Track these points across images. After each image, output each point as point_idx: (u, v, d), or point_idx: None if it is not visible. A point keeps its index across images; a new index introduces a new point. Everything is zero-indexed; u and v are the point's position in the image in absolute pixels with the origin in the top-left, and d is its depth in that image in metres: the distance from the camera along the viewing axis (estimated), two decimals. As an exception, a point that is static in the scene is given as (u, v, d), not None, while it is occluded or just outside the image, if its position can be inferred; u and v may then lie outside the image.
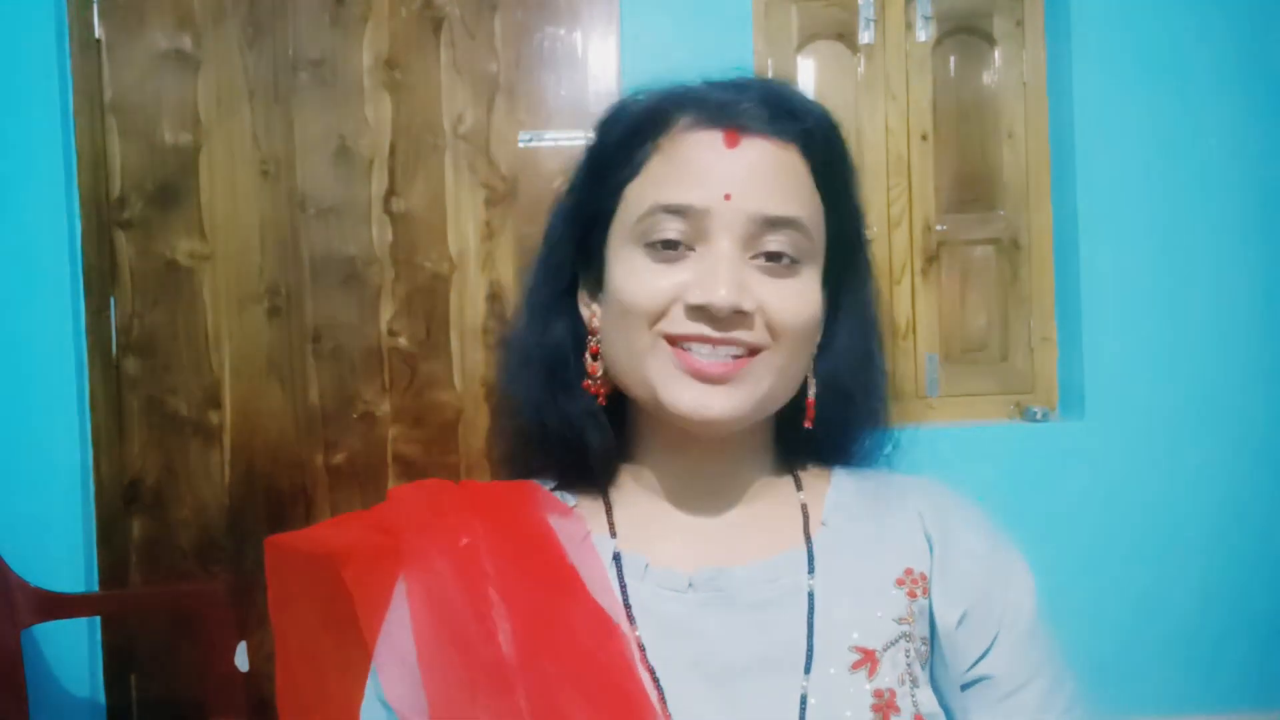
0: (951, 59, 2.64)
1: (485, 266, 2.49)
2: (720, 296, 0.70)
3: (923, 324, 2.64)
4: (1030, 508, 2.23)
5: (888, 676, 0.71)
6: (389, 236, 2.48)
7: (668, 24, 2.44)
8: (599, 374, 0.78)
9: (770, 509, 0.79)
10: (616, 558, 0.76)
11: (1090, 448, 2.48)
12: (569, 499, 0.81)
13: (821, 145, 0.76)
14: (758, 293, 0.72)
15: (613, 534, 0.78)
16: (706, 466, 0.78)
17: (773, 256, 0.73)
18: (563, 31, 2.50)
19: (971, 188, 2.65)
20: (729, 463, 0.78)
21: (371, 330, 2.48)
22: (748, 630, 0.72)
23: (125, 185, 2.46)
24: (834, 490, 0.80)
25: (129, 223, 2.46)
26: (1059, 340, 2.62)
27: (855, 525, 0.78)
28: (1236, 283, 2.49)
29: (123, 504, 2.45)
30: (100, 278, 2.44)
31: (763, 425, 0.79)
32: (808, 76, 2.63)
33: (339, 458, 2.48)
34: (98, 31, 2.45)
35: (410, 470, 2.48)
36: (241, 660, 2.01)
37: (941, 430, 2.51)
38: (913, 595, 0.74)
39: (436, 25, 2.49)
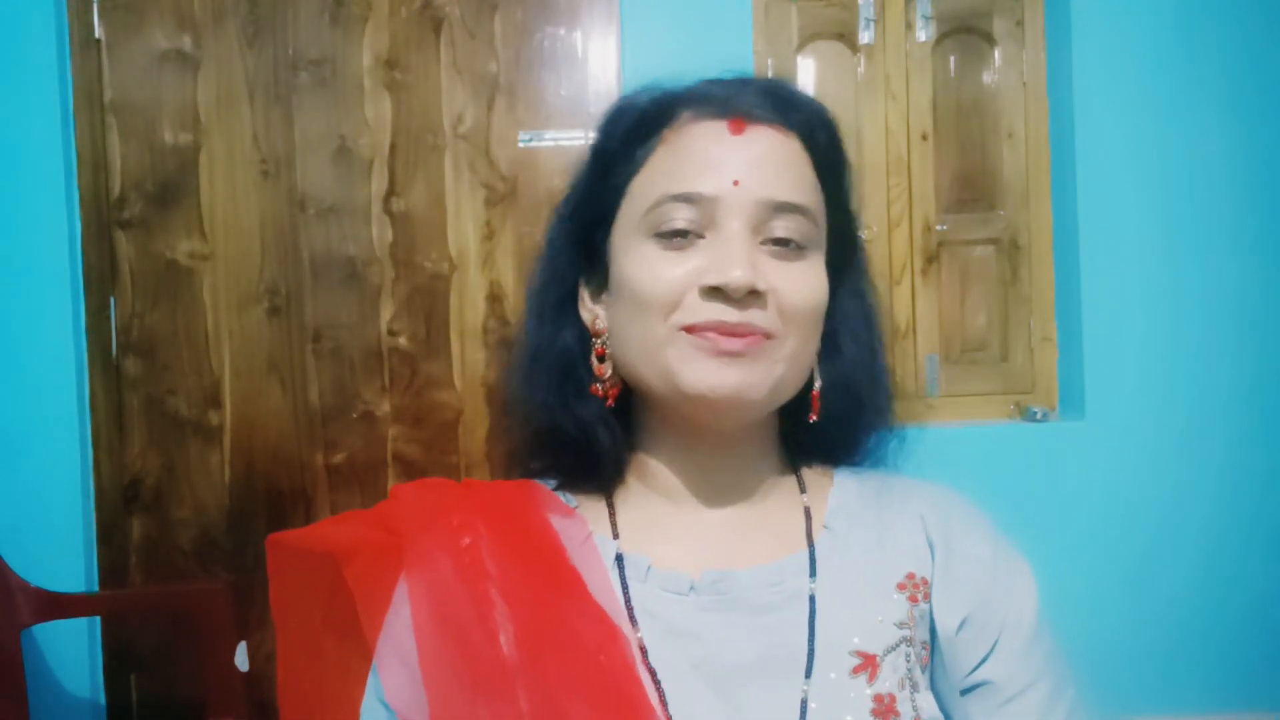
0: (951, 59, 2.64)
1: (485, 266, 2.49)
2: (735, 276, 0.70)
3: (923, 324, 2.64)
4: (1030, 508, 2.23)
5: (888, 681, 0.71)
6: (389, 236, 2.48)
7: (668, 24, 2.44)
8: (606, 376, 0.78)
9: (773, 511, 0.79)
10: (619, 559, 0.76)
11: (1090, 448, 2.48)
12: (571, 500, 0.81)
13: (822, 138, 0.77)
14: (770, 275, 0.72)
15: (615, 535, 0.78)
16: (712, 465, 0.78)
17: (780, 242, 0.73)
18: (563, 31, 2.50)
19: (971, 188, 2.65)
20: (735, 461, 0.78)
21: (371, 330, 2.48)
22: (749, 634, 0.72)
23: (125, 185, 2.46)
24: (837, 492, 0.80)
25: (129, 223, 2.46)
26: (1059, 340, 2.62)
27: (857, 529, 0.78)
28: (1236, 283, 2.49)
29: (123, 504, 2.45)
30: (100, 278, 2.44)
31: (768, 422, 0.79)
32: (808, 76, 2.63)
33: (339, 458, 2.48)
34: (98, 31, 2.45)
35: (410, 470, 2.48)
36: (241, 660, 2.01)
37: (941, 430, 2.51)
38: (914, 600, 0.74)
39: (436, 25, 2.49)
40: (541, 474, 0.83)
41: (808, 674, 0.71)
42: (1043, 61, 2.62)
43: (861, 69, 2.62)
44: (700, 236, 0.73)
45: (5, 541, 2.16)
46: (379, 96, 2.48)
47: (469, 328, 2.49)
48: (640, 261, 0.74)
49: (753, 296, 0.71)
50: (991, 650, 0.74)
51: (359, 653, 0.75)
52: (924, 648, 0.74)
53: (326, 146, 2.47)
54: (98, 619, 2.40)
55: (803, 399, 0.78)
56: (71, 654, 2.35)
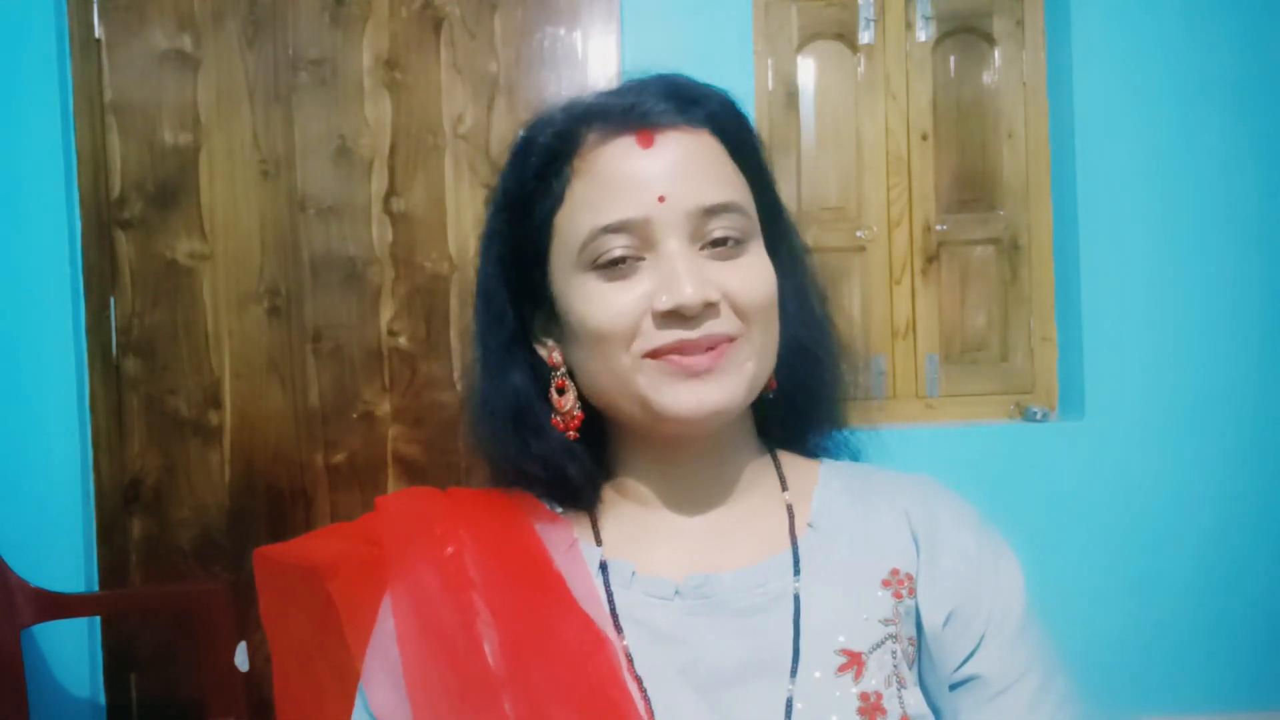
0: (951, 59, 2.64)
1: (485, 267, 2.48)
2: (688, 295, 0.69)
3: (923, 324, 2.64)
4: (1030, 508, 2.24)
5: (874, 679, 0.71)
6: (389, 236, 2.48)
7: (668, 24, 2.44)
8: (566, 408, 0.77)
9: (756, 510, 0.79)
10: (603, 566, 0.76)
11: (1090, 448, 2.48)
12: (555, 506, 0.80)
13: (731, 124, 0.76)
14: (719, 281, 0.71)
15: (598, 542, 0.78)
16: (691, 471, 0.78)
17: (719, 242, 0.72)
18: (563, 31, 2.50)
19: (971, 188, 2.65)
20: (714, 464, 0.78)
21: (371, 330, 2.48)
22: (735, 636, 0.72)
23: (125, 185, 2.46)
24: (821, 489, 0.80)
25: (129, 223, 2.46)
26: (1059, 340, 2.62)
27: (841, 526, 0.77)
28: (1236, 282, 2.49)
29: (123, 504, 2.45)
30: (100, 278, 2.44)
31: (743, 418, 0.79)
32: (808, 76, 2.63)
33: (339, 458, 2.48)
34: (98, 31, 2.45)
35: (410, 470, 2.48)
36: (241, 660, 2.01)
37: (941, 430, 2.51)
38: (899, 596, 0.74)
39: (436, 25, 2.49)
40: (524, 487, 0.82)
41: (793, 674, 0.70)
42: (1043, 61, 2.62)
43: (861, 69, 2.62)
44: (640, 259, 0.72)
45: (5, 541, 2.16)
46: (379, 96, 2.48)
47: (469, 328, 2.48)
48: (588, 298, 0.72)
49: (708, 308, 0.71)
50: (979, 644, 0.74)
51: (350, 664, 0.75)
52: (910, 644, 0.73)
53: (326, 146, 2.48)
54: (98, 619, 2.41)
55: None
56: (71, 654, 2.35)
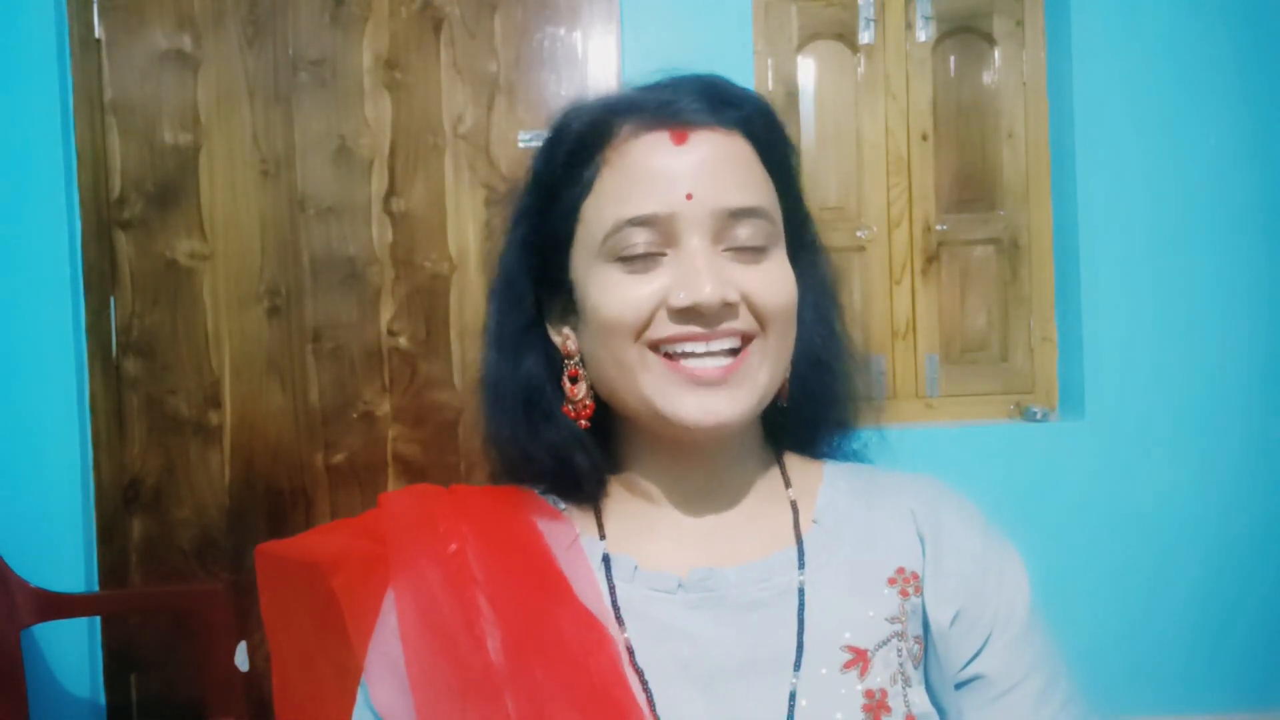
0: (951, 59, 2.64)
1: (485, 266, 2.48)
2: (706, 293, 0.69)
3: (923, 324, 2.64)
4: (1030, 508, 2.23)
5: (879, 676, 0.71)
6: (389, 236, 2.48)
7: (668, 24, 2.44)
8: (578, 397, 0.77)
9: (761, 507, 0.79)
10: (606, 560, 0.76)
11: (1090, 448, 2.48)
12: (558, 503, 0.80)
13: (764, 129, 0.76)
14: (739, 282, 0.72)
15: (601, 536, 0.78)
16: (698, 470, 0.78)
17: (742, 246, 0.73)
18: (563, 31, 2.50)
19: (971, 188, 2.65)
20: (720, 464, 0.78)
21: (371, 330, 2.48)
22: (738, 631, 0.72)
23: (125, 185, 2.46)
24: (826, 487, 0.80)
25: (129, 223, 2.46)
26: (1059, 340, 2.62)
27: (847, 524, 0.77)
28: (1236, 283, 2.49)
29: (123, 504, 2.45)
30: (100, 278, 2.44)
31: (751, 422, 0.79)
32: (808, 76, 2.63)
33: (339, 458, 2.48)
34: (98, 31, 2.45)
35: (410, 470, 2.48)
36: (241, 660, 2.01)
37: (941, 430, 2.51)
38: (905, 594, 0.74)
39: (436, 25, 2.49)
40: (528, 481, 0.82)
41: (797, 670, 0.70)
42: (1043, 61, 2.62)
43: (861, 69, 2.62)
44: (662, 254, 0.72)
45: (5, 541, 2.16)
46: (379, 96, 2.48)
47: (469, 328, 2.49)
48: (606, 287, 0.73)
49: (726, 308, 0.71)
50: (984, 644, 0.74)
51: (351, 661, 0.75)
52: (916, 642, 0.74)
53: (326, 146, 2.48)
54: (98, 619, 2.41)
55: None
56: (71, 654, 2.35)
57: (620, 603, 0.74)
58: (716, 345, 0.72)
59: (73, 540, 2.35)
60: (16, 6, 2.35)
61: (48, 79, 2.36)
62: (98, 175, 2.44)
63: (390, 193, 2.48)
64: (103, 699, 2.41)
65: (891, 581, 0.75)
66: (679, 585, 0.74)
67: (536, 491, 0.81)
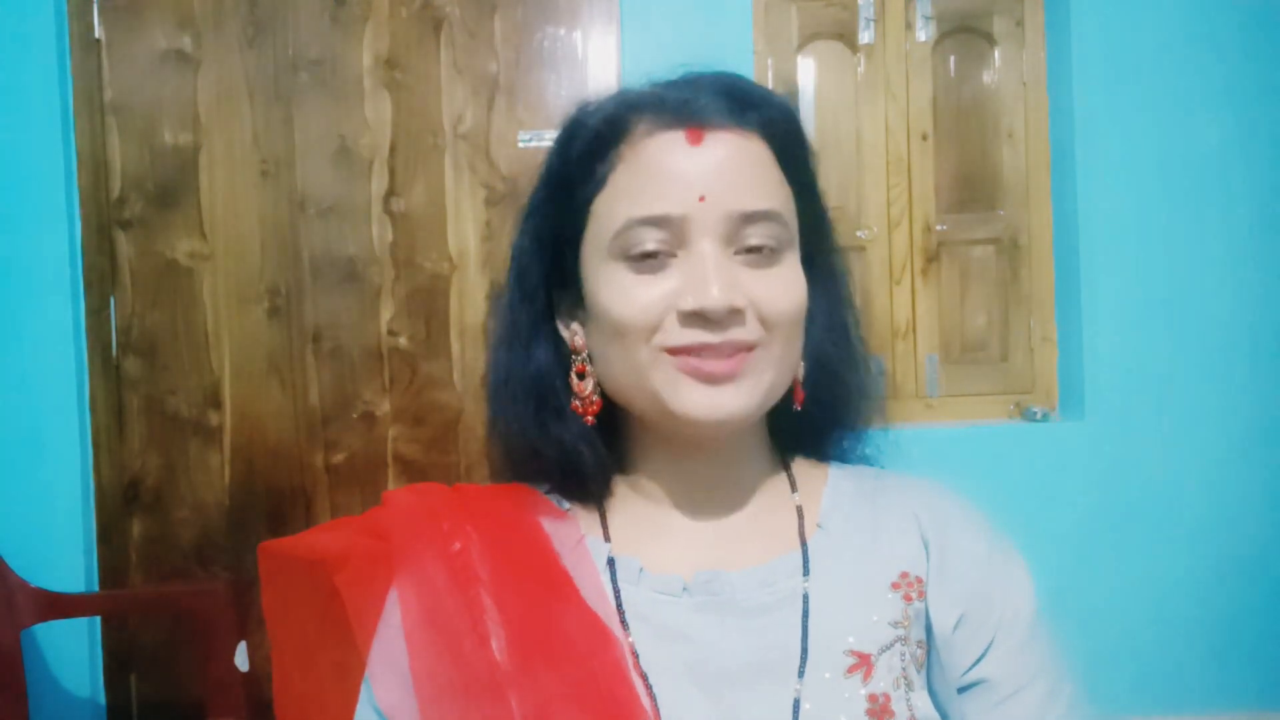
0: (951, 59, 2.64)
1: (485, 266, 2.49)
2: (714, 299, 0.69)
3: (923, 324, 2.64)
4: (1030, 508, 2.23)
5: (883, 680, 0.71)
6: (389, 236, 2.48)
7: (668, 24, 2.44)
8: (586, 393, 0.76)
9: (766, 511, 0.78)
10: (610, 562, 0.76)
11: (1090, 448, 2.48)
12: (563, 503, 0.80)
13: (782, 131, 0.75)
14: (747, 288, 0.71)
15: (607, 538, 0.77)
16: (704, 471, 0.77)
17: (754, 250, 0.72)
18: (563, 31, 2.50)
19: (971, 188, 2.65)
20: (726, 465, 0.78)
21: (371, 330, 2.48)
22: (742, 635, 0.72)
23: (125, 185, 2.46)
24: (830, 491, 0.80)
25: (129, 223, 2.46)
26: (1059, 340, 2.62)
27: (851, 528, 0.77)
28: (1236, 282, 2.49)
29: (123, 504, 2.45)
30: (100, 278, 2.44)
31: (758, 423, 0.79)
32: (808, 76, 2.63)
33: (339, 458, 2.48)
34: (98, 31, 2.45)
35: (410, 470, 2.48)
36: (241, 660, 2.01)
37: (941, 430, 2.51)
38: (908, 599, 0.74)
39: (436, 25, 2.49)
40: (534, 480, 0.82)
41: (801, 674, 0.70)
42: (1043, 61, 2.62)
43: (861, 69, 2.62)
44: (672, 255, 0.71)
45: (5, 541, 2.16)
46: (379, 96, 2.48)
47: (469, 328, 2.49)
48: (614, 287, 0.72)
49: (733, 314, 0.70)
50: (988, 648, 0.74)
51: (353, 659, 0.74)
52: (920, 646, 0.73)
53: (326, 146, 2.47)
54: (98, 619, 2.41)
55: (789, 392, 0.78)
56: (71, 654, 2.35)
57: (625, 605, 0.73)
58: (724, 351, 0.71)
59: (73, 540, 2.35)
60: (16, 6, 2.35)
61: (48, 79, 2.36)
62: (98, 175, 2.44)
63: (390, 193, 2.48)
64: (103, 699, 2.41)
65: (895, 586, 0.74)
66: (684, 588, 0.73)
67: (541, 491, 0.81)
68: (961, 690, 0.74)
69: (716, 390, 0.71)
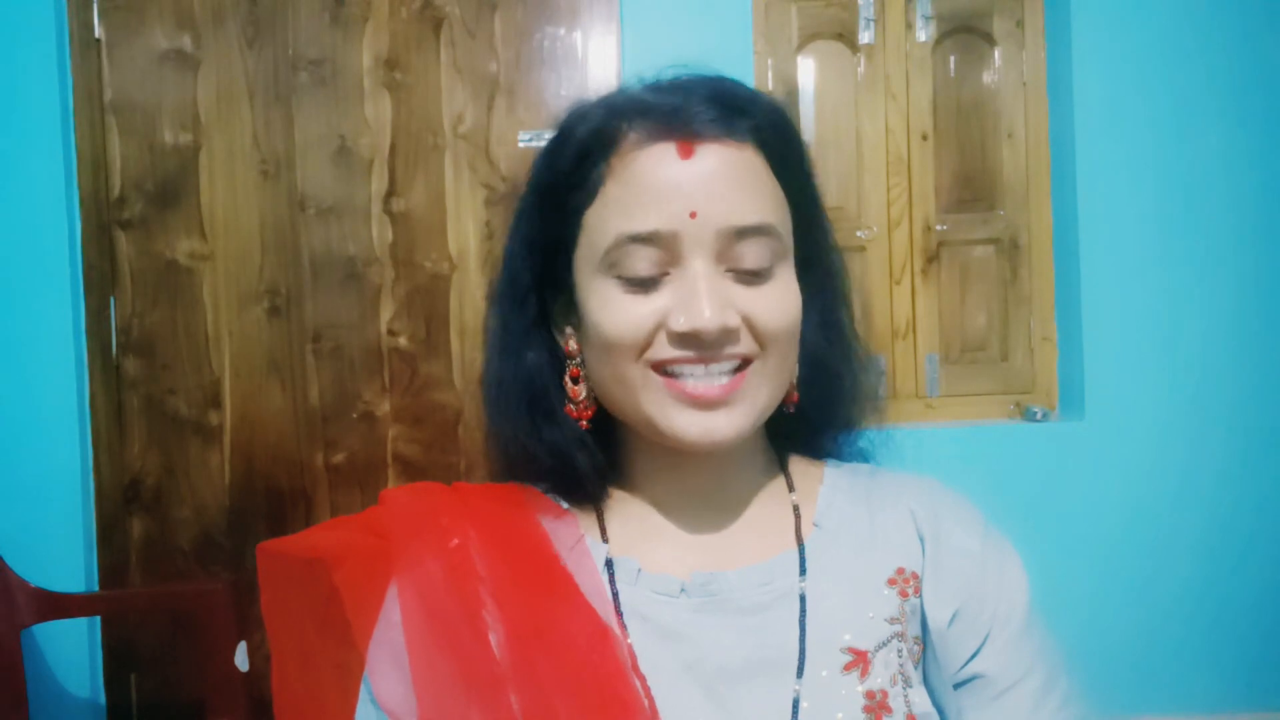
0: (951, 59, 2.64)
1: (485, 266, 2.49)
2: (706, 320, 0.68)
3: (923, 324, 2.64)
4: (1030, 508, 2.23)
5: (880, 677, 0.71)
6: (389, 236, 2.48)
7: (668, 24, 2.44)
8: (581, 397, 0.77)
9: (763, 511, 0.79)
10: (609, 563, 0.76)
11: (1090, 448, 2.48)
12: (562, 501, 0.80)
13: (776, 137, 0.74)
14: (740, 304, 0.70)
15: (605, 539, 0.78)
16: (700, 474, 0.78)
17: (747, 267, 0.71)
18: (563, 31, 2.50)
19: (971, 188, 2.65)
20: (722, 468, 0.78)
21: (371, 330, 2.48)
22: (740, 634, 0.72)
23: (125, 185, 2.46)
24: (826, 489, 0.80)
25: (129, 223, 2.46)
26: (1059, 340, 2.62)
27: (847, 526, 0.78)
28: (1236, 282, 2.49)
29: (123, 504, 2.45)
30: (100, 278, 2.44)
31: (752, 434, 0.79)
32: (808, 76, 2.63)
33: (339, 458, 2.48)
34: (98, 31, 2.45)
35: (410, 470, 2.48)
36: (241, 660, 2.01)
37: (941, 430, 2.51)
38: (904, 595, 0.74)
39: (436, 25, 2.49)
40: (531, 479, 0.82)
41: (799, 673, 0.70)
42: (1043, 61, 2.62)
43: (861, 69, 2.62)
44: (665, 273, 0.71)
45: (5, 541, 2.16)
46: (379, 96, 2.48)
47: (469, 328, 2.49)
48: (605, 303, 0.72)
49: (725, 333, 0.70)
50: (983, 643, 0.74)
51: (352, 657, 0.74)
52: (916, 643, 0.74)
53: (326, 146, 2.48)
54: (98, 619, 2.40)
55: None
56: (71, 654, 2.35)
57: (623, 605, 0.74)
58: (716, 369, 0.71)
59: (73, 540, 2.35)
60: (16, 6, 2.35)
61: (48, 79, 2.36)
62: (98, 175, 2.44)
63: (390, 193, 2.48)
64: (103, 699, 2.41)
65: (891, 582, 0.75)
66: (681, 589, 0.74)
67: (540, 490, 0.81)
68: (957, 685, 0.74)
69: (709, 415, 0.71)
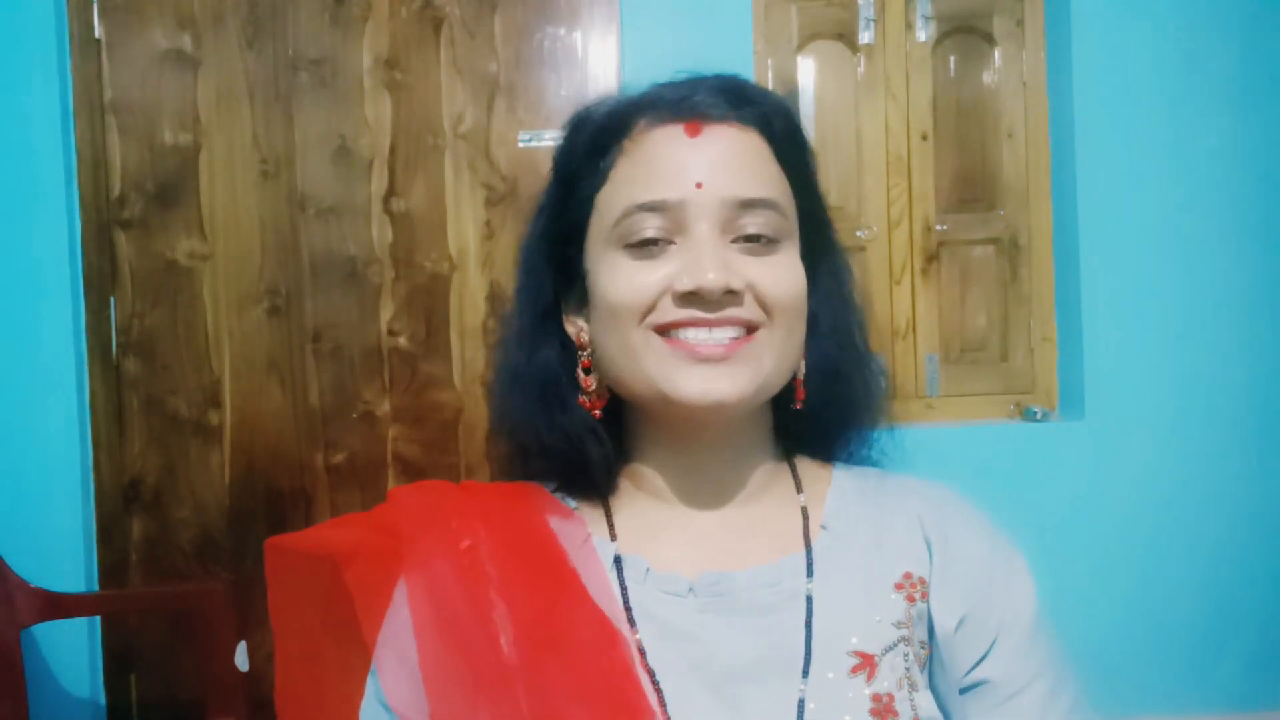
0: (951, 59, 2.64)
1: (485, 266, 2.49)
2: (709, 279, 0.70)
3: (923, 324, 2.64)
4: (1030, 508, 2.23)
5: (886, 681, 0.71)
6: (389, 236, 2.48)
7: (668, 24, 2.44)
8: (592, 387, 0.78)
9: (771, 511, 0.79)
10: (617, 561, 0.76)
11: (1090, 448, 2.48)
12: (570, 501, 0.81)
13: (781, 127, 0.77)
14: (744, 272, 0.72)
15: (613, 537, 0.78)
16: (706, 466, 0.78)
17: (752, 238, 0.73)
18: (563, 31, 2.50)
19: (971, 188, 2.65)
20: (728, 460, 0.78)
21: (371, 330, 2.48)
22: (748, 635, 0.72)
23: (125, 185, 2.46)
24: (834, 492, 0.80)
25: (129, 223, 2.46)
26: (1059, 340, 2.62)
27: (855, 529, 0.78)
28: (1236, 282, 2.49)
29: (123, 504, 2.45)
30: (100, 278, 2.44)
31: (761, 417, 0.79)
32: (808, 76, 2.63)
33: (339, 458, 2.48)
34: (98, 31, 2.45)
35: (410, 470, 2.48)
36: (241, 660, 2.01)
37: (941, 430, 2.51)
38: (911, 599, 0.74)
39: (436, 25, 2.49)
40: (540, 477, 0.83)
41: (805, 674, 0.71)
42: (1043, 61, 2.62)
43: (861, 69, 2.62)
44: (671, 242, 0.73)
45: (5, 541, 2.16)
46: (379, 96, 2.48)
47: (469, 328, 2.49)
48: (613, 273, 0.74)
49: (729, 296, 0.71)
50: (990, 649, 0.74)
51: (358, 655, 0.75)
52: (922, 647, 0.74)
53: (326, 146, 2.47)
54: (98, 619, 2.40)
55: (791, 387, 0.79)
56: (71, 654, 2.35)
57: (631, 603, 0.74)
58: (720, 332, 0.72)
59: (73, 540, 2.35)
60: (16, 6, 2.35)
61: (48, 79, 2.36)
62: (98, 175, 2.44)
63: (390, 193, 2.48)
64: (103, 699, 2.41)
65: (899, 586, 0.75)
66: (689, 589, 0.74)
67: (548, 490, 0.81)
68: (964, 691, 0.74)
69: (710, 371, 0.71)
